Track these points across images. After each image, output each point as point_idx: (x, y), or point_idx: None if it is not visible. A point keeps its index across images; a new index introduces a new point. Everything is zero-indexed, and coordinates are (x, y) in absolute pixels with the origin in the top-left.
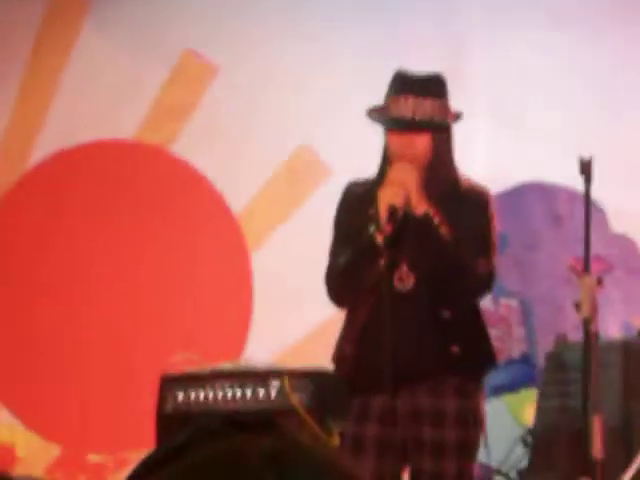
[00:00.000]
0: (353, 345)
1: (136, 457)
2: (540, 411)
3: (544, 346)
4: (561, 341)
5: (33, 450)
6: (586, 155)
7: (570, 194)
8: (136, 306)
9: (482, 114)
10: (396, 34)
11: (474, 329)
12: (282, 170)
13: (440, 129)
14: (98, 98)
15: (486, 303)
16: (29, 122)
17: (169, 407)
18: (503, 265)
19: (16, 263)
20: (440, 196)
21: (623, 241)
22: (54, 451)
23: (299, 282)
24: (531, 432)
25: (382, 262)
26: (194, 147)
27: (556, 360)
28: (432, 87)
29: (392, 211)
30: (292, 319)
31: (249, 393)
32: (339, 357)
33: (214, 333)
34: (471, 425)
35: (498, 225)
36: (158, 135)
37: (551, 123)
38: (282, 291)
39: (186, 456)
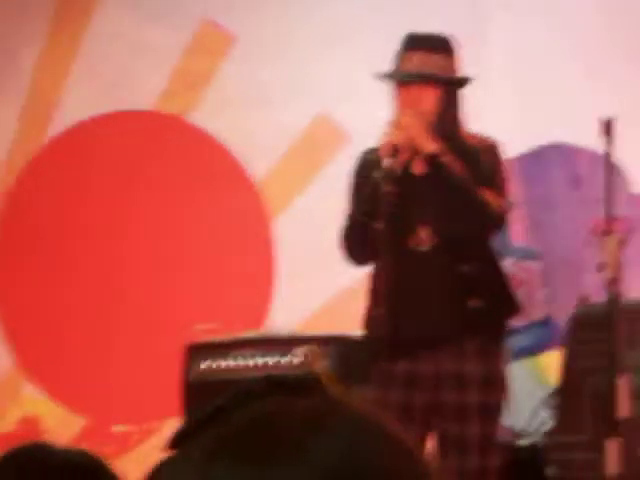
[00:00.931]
0: (382, 308)
1: (161, 427)
2: (564, 373)
3: (566, 308)
4: (584, 302)
5: (58, 422)
6: (607, 116)
7: (591, 155)
8: (159, 276)
9: (502, 76)
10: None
11: (494, 280)
12: (301, 138)
13: (447, 85)
14: (117, 68)
15: (506, 266)
16: (49, 93)
17: (194, 376)
18: (523, 227)
19: (40, 233)
20: (448, 145)
21: None
22: (79, 422)
23: (320, 249)
24: (555, 394)
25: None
26: (213, 116)
27: (580, 321)
28: (440, 45)
29: (394, 150)
30: (314, 286)
31: (273, 361)
32: (369, 321)
33: (237, 302)
34: (493, 388)
35: (518, 187)
36: (177, 104)
37: (571, 84)
38: (304, 258)
39: (227, 418)
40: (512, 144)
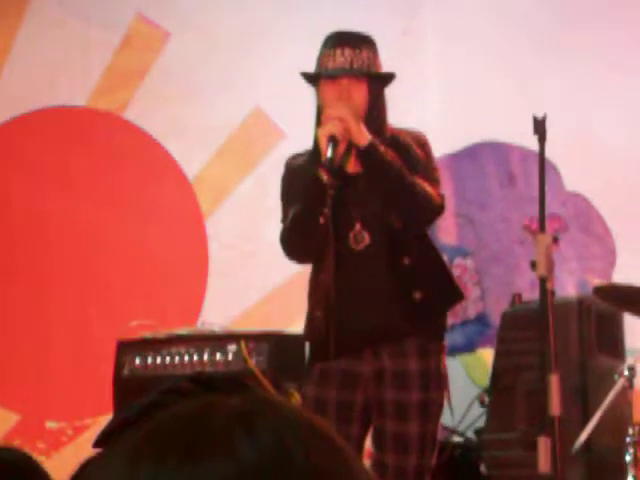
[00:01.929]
0: (322, 309)
1: (94, 423)
2: (496, 370)
3: (499, 306)
4: (516, 300)
5: None
6: (538, 114)
7: (523, 153)
8: (92, 272)
9: (434, 74)
10: None
11: (436, 271)
12: (235, 134)
13: (376, 82)
14: (49, 65)
15: None
16: None
17: (126, 372)
18: (457, 225)
19: None
20: (380, 139)
21: (577, 199)
22: (12, 418)
23: (254, 246)
24: (488, 391)
25: (329, 208)
26: (147, 113)
27: (512, 319)
28: (367, 42)
29: (332, 139)
30: (248, 283)
31: (206, 357)
32: (310, 323)
33: (170, 299)
34: (433, 386)
35: (451, 185)
36: (111, 101)
37: (504, 82)
38: (237, 256)
39: (154, 415)
40: (444, 141)
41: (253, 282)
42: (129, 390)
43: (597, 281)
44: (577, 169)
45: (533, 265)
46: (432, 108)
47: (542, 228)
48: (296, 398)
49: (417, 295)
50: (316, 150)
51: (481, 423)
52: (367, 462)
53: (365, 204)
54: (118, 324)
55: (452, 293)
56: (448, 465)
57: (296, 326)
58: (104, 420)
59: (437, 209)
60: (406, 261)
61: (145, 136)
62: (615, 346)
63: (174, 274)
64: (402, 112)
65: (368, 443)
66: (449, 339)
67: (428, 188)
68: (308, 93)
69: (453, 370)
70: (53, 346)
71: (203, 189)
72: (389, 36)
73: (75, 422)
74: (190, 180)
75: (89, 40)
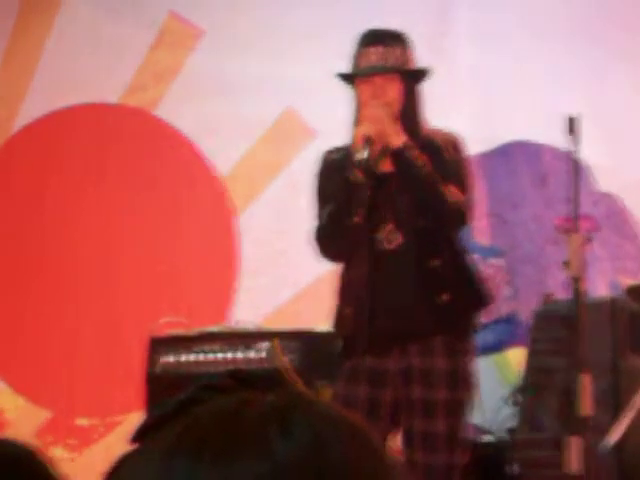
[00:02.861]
0: (351, 306)
1: (124, 420)
2: (528, 370)
3: (531, 305)
4: (548, 300)
5: (21, 415)
6: (572, 113)
7: (555, 153)
8: (123, 269)
9: (467, 74)
10: None
11: (463, 274)
12: (267, 133)
13: (410, 79)
14: (82, 63)
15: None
16: (14, 88)
17: (158, 369)
18: (489, 225)
19: (1, 228)
20: (412, 140)
21: (609, 199)
22: (43, 415)
23: (284, 244)
24: (519, 391)
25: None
26: (179, 110)
27: (544, 319)
28: (400, 39)
29: (367, 140)
30: (279, 281)
31: (238, 355)
32: (339, 320)
33: (201, 296)
34: (461, 384)
35: (483, 184)
36: (143, 99)
37: (536, 81)
38: (268, 253)
39: (191, 411)
40: (477, 141)
41: (284, 280)
42: (161, 387)
43: (629, 281)
44: (609, 169)
45: (565, 265)
46: (465, 108)
47: (574, 228)
48: (329, 393)
49: (444, 297)
50: (352, 149)
51: (512, 422)
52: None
53: (398, 204)
54: (149, 321)
55: (479, 297)
56: (479, 464)
57: (327, 324)
58: (135, 417)
59: (464, 216)
60: (435, 263)
61: (177, 134)
62: None
63: (205, 271)
64: (435, 112)
65: (398, 441)
66: (480, 338)
67: (457, 196)
68: (339, 92)
69: (484, 369)
70: (84, 343)
71: (235, 187)
72: (422, 36)
73: (106, 419)
74: (222, 178)
75: (122, 38)
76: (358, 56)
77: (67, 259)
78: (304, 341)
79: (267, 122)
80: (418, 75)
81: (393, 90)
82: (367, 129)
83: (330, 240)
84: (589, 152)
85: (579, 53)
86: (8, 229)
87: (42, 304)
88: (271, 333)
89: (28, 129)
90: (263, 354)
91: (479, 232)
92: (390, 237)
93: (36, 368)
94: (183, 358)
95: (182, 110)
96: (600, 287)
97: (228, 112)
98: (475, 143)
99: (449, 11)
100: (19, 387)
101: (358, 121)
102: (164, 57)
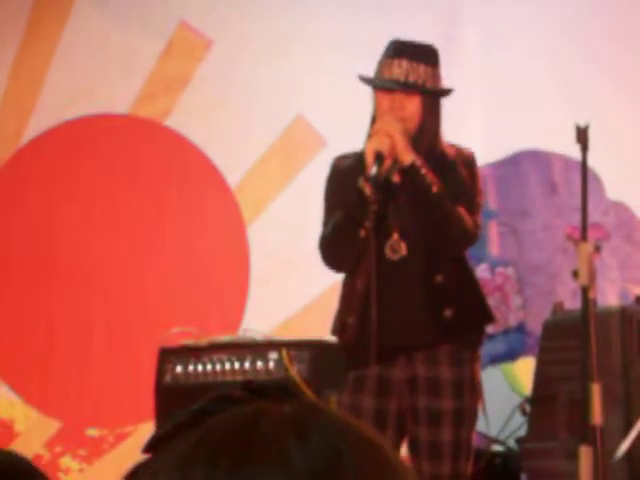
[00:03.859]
0: (355, 316)
1: (135, 431)
2: (538, 379)
3: (541, 314)
4: (558, 309)
5: (32, 425)
6: (582, 122)
7: (565, 162)
8: (133, 280)
9: (477, 83)
10: (393, 2)
11: (468, 291)
12: (277, 143)
13: (430, 96)
14: (92, 72)
15: (482, 272)
16: (23, 97)
17: (168, 379)
18: (499, 234)
19: (12, 238)
20: (425, 157)
21: (619, 208)
22: (53, 426)
23: (295, 254)
24: (529, 400)
25: (371, 222)
26: (189, 120)
27: (554, 328)
28: (426, 54)
29: (378, 156)
30: (289, 291)
31: (247, 365)
32: (341, 328)
33: (211, 306)
34: (467, 394)
35: (493, 194)
36: (153, 109)
37: (546, 90)
38: (279, 263)
39: (205, 422)
40: (486, 150)
41: (294, 290)
42: (171, 398)
43: (639, 290)
44: (619, 178)
45: (575, 274)
46: (474, 117)
47: (584, 237)
48: (334, 404)
49: (447, 313)
50: (363, 160)
51: (522, 432)
52: None
53: (405, 215)
54: (159, 331)
55: (483, 315)
56: (488, 474)
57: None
58: (145, 428)
59: (470, 240)
60: (439, 279)
61: (187, 144)
62: None
63: (215, 282)
64: (444, 121)
65: (404, 450)
66: (490, 348)
67: (465, 218)
68: (350, 101)
69: (494, 379)
70: (94, 353)
71: (245, 197)
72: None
73: (116, 429)
74: (232, 188)
75: (131, 48)
76: (382, 66)
77: (77, 270)
78: (313, 351)
79: (277, 131)
80: (440, 93)
81: (412, 105)
82: (378, 145)
83: (333, 250)
84: (599, 161)
85: (589, 62)
86: (18, 242)
87: (52, 315)
88: (280, 343)
89: (38, 141)
90: (271, 364)
91: (490, 241)
92: (395, 247)
93: (46, 379)
94: (192, 368)
95: (192, 120)
96: (610, 296)
97: (238, 122)
98: (485, 152)
99: (458, 19)
100: (29, 397)
101: (371, 133)
102: (174, 67)
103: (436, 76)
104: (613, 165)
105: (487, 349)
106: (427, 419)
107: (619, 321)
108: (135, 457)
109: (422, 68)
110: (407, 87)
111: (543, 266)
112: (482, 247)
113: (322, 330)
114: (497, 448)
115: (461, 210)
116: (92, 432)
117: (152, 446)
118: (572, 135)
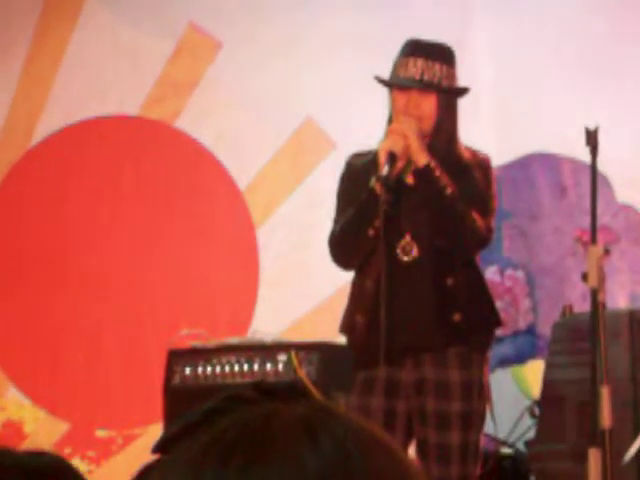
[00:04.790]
0: (364, 314)
1: (144, 432)
2: (547, 382)
3: (550, 317)
4: (568, 312)
5: (41, 426)
6: (591, 125)
7: (575, 165)
8: (143, 281)
9: (487, 85)
10: (404, 3)
11: (477, 295)
12: (286, 145)
13: (446, 95)
14: (101, 74)
15: (491, 275)
16: (33, 99)
17: (177, 381)
18: (508, 236)
19: (22, 240)
20: (440, 158)
21: (629, 212)
22: (62, 427)
23: (305, 256)
24: (538, 403)
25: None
26: (198, 123)
27: (563, 331)
28: (442, 53)
29: (390, 156)
30: (298, 293)
31: (256, 367)
32: (350, 328)
33: (220, 308)
34: (475, 396)
35: (504, 195)
36: (162, 111)
37: (556, 93)
38: (288, 265)
39: (216, 421)
40: (496, 153)
41: (303, 292)
42: (179, 399)
43: None
44: (628, 181)
45: (584, 277)
46: (484, 119)
47: (593, 240)
48: (342, 405)
49: (456, 317)
50: (377, 159)
51: (531, 435)
52: None
53: (418, 217)
54: (168, 333)
55: (491, 319)
56: (497, 477)
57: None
58: (154, 429)
59: (482, 243)
60: (450, 282)
61: (196, 146)
62: None
63: (225, 283)
64: None
65: (412, 452)
66: (500, 350)
67: (478, 221)
68: (359, 103)
69: (503, 382)
70: (103, 355)
71: (254, 199)
72: None
73: (125, 431)
74: (241, 190)
75: (141, 49)
76: (398, 65)
77: (87, 271)
78: (322, 353)
79: (286, 133)
80: (456, 92)
81: (427, 105)
82: (391, 145)
83: (341, 247)
84: (608, 164)
85: (599, 65)
86: (27, 243)
87: (62, 316)
88: (289, 345)
89: (47, 142)
90: (280, 366)
91: (500, 243)
92: (407, 248)
93: (55, 380)
94: (201, 370)
95: (201, 122)
96: (619, 299)
97: (247, 124)
98: (495, 155)
99: (469, 24)
100: (38, 399)
101: (386, 133)
102: (184, 69)
103: (452, 75)
104: (622, 168)
105: (496, 352)
106: (435, 421)
107: (628, 324)
108: (144, 459)
109: (438, 67)
110: (422, 85)
111: (552, 269)
112: (493, 249)
113: (331, 332)
114: (506, 451)
115: (474, 213)
116: (101, 433)
117: (162, 446)
118: (582, 138)
